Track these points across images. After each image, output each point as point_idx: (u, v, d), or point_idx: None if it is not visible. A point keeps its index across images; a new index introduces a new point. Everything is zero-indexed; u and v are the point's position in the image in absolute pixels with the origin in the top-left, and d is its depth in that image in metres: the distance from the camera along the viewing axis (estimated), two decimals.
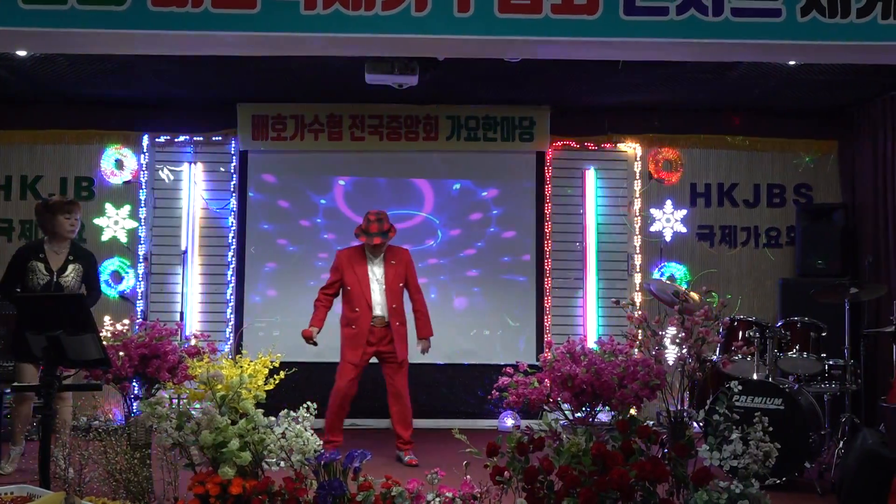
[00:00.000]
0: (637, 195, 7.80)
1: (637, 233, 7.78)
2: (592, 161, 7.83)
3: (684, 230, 7.82)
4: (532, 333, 7.74)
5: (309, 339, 6.00)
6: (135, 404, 5.92)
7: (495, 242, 7.82)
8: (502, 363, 6.02)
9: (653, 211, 7.82)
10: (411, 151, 7.75)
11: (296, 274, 7.75)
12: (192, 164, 7.75)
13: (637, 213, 7.79)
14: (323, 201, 7.80)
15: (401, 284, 6.05)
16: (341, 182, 7.78)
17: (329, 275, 6.20)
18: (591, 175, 7.81)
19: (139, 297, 7.63)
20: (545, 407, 5.23)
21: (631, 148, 7.83)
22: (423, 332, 6.11)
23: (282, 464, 4.02)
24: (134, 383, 5.95)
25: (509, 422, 7.24)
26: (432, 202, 7.82)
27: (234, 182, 7.76)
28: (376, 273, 6.04)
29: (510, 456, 3.79)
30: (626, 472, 3.46)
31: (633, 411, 5.03)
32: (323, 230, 7.79)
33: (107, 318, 6.85)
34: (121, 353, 5.68)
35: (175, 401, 4.64)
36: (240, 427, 4.05)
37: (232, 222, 7.74)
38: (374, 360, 6.13)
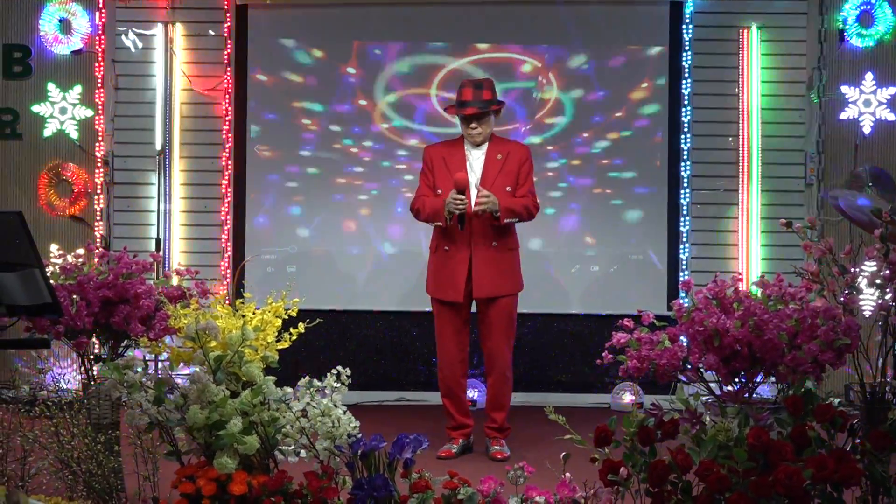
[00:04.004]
0: (821, 65, 7.65)
1: (820, 121, 7.65)
2: (755, 15, 7.71)
3: (892, 118, 7.66)
4: (662, 270, 7.75)
5: (464, 184, 5.84)
6: (96, 368, 6.07)
7: (606, 139, 7.78)
8: (617, 313, 6.02)
9: (844, 89, 7.66)
10: (480, 3, 7.70)
11: (321, 185, 7.84)
12: (170, 26, 7.79)
13: (821, 93, 7.64)
14: (358, 78, 7.81)
15: (508, 188, 6.01)
16: (377, 51, 7.77)
17: (420, 183, 6.21)
18: (752, 36, 7.69)
19: (98, 218, 7.78)
20: (680, 376, 5.23)
21: None
22: (503, 199, 5.95)
23: (302, 453, 4.09)
24: (94, 339, 6.09)
25: (627, 397, 7.31)
26: (508, 80, 7.77)
27: (229, 52, 7.80)
28: (475, 170, 6.07)
29: (629, 446, 3.81)
30: (799, 471, 3.45)
31: (809, 384, 5.01)
32: (360, 122, 7.82)
33: (53, 247, 7.00)
34: (74, 297, 5.77)
35: (152, 364, 4.72)
36: (243, 401, 4.11)
37: (228, 110, 7.81)
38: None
